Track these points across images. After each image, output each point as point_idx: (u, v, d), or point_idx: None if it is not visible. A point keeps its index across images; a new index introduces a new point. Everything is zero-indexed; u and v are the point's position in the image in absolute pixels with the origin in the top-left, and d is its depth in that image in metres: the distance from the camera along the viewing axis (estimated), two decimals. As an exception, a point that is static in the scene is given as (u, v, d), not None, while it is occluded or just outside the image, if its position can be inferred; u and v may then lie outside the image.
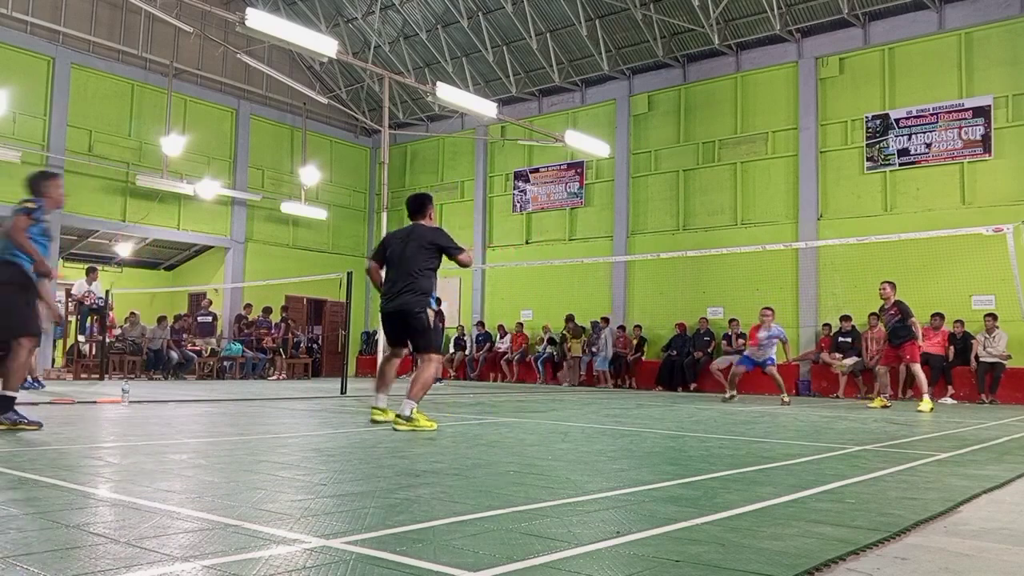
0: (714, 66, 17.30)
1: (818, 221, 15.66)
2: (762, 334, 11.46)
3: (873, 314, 14.05)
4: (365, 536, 2.33)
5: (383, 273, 6.73)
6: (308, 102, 20.94)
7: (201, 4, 10.76)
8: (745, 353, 11.80)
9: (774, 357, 11.58)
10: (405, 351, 6.77)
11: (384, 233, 12.06)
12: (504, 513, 2.74)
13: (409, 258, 6.43)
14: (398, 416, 6.12)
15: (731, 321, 15.73)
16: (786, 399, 11.38)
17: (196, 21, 17.91)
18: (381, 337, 12.29)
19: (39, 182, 5.88)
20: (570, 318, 17.68)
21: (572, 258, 18.05)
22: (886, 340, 11.01)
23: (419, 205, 6.75)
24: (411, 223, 6.73)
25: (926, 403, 10.13)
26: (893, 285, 10.81)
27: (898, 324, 10.51)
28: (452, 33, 19.34)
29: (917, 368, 10.53)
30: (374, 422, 6.46)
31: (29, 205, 5.63)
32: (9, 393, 5.45)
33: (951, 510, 3.02)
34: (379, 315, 6.70)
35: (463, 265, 6.70)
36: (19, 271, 5.55)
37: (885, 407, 10.49)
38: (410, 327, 6.41)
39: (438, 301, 16.31)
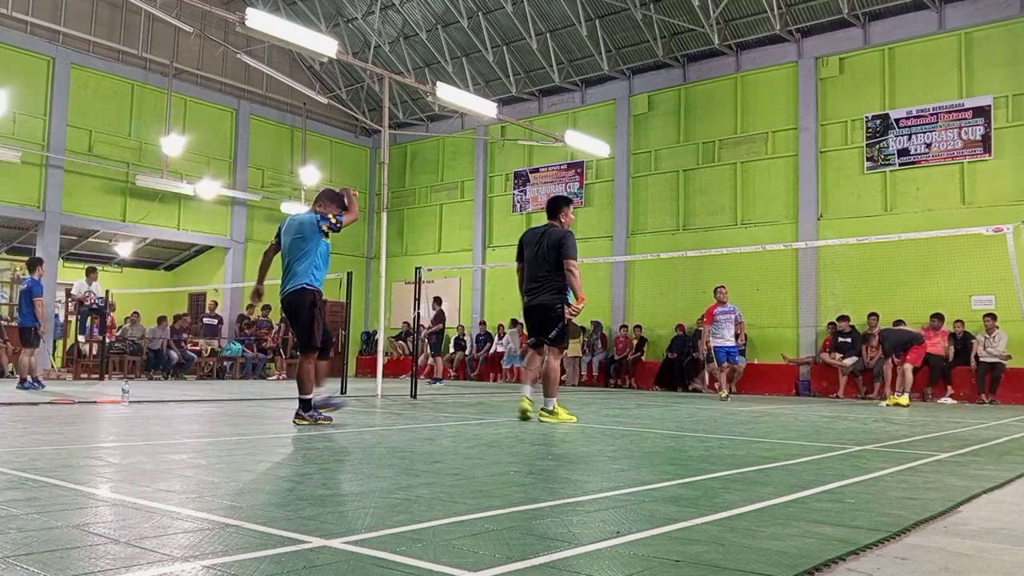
0: (714, 66, 17.30)
1: (818, 221, 15.66)
2: (719, 310, 12.06)
3: (873, 314, 14.12)
4: (365, 536, 2.33)
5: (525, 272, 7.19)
6: (308, 102, 20.93)
7: (201, 4, 10.74)
8: (714, 345, 12.17)
9: (743, 357, 12.07)
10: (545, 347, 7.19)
11: (384, 233, 12.21)
12: (504, 513, 2.74)
13: (542, 258, 6.96)
14: (543, 410, 6.95)
15: (731, 321, 15.72)
16: (724, 395, 12.12)
17: (196, 21, 17.91)
18: (381, 337, 12.31)
19: (333, 199, 6.71)
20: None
21: (572, 258, 18.03)
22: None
23: (555, 207, 7.21)
24: (547, 223, 7.15)
25: (892, 399, 11.11)
26: None
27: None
28: (452, 33, 19.34)
29: (907, 367, 11.52)
30: (522, 410, 7.03)
31: (326, 229, 6.56)
32: (322, 393, 6.44)
33: (951, 510, 3.02)
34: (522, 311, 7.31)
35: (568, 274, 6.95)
36: (317, 294, 6.43)
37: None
38: (546, 321, 6.98)
39: (438, 300, 16.36)
